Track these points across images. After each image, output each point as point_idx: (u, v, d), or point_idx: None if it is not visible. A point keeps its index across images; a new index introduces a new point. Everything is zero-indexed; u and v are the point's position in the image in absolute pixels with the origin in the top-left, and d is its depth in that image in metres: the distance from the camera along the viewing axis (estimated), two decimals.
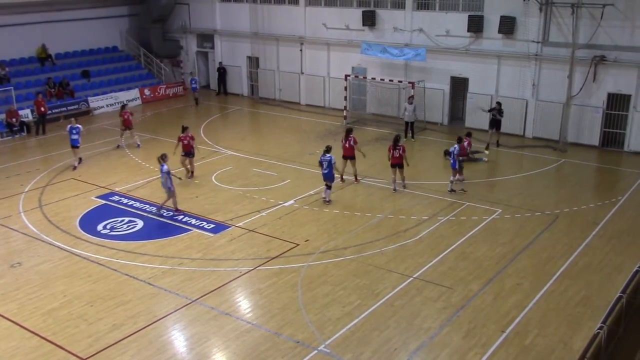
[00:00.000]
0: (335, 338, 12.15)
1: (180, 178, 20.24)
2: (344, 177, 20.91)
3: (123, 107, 26.25)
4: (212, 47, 36.92)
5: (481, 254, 15.71)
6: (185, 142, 21.42)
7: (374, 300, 13.51)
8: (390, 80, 28.64)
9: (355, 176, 21.07)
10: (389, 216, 18.13)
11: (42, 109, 28.39)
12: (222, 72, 36.10)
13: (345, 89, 29.47)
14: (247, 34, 34.57)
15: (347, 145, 20.51)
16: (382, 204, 19.06)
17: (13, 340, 12.31)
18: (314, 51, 32.34)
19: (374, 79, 29.25)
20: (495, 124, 24.67)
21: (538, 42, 25.46)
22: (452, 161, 19.69)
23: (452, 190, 19.79)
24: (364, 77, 29.82)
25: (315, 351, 11.74)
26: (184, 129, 21.61)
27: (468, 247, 16.12)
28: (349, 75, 29.59)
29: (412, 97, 26.60)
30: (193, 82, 33.22)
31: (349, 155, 20.67)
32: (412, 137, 26.43)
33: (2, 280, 14.72)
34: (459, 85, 28.28)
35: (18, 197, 20.11)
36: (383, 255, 15.67)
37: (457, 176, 19.89)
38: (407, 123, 26.49)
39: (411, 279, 14.44)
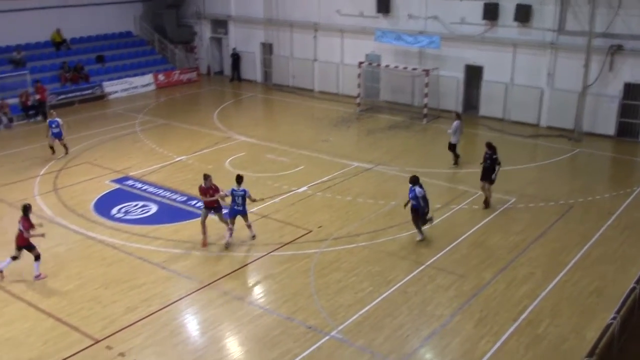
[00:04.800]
0: (347, 324, 12.20)
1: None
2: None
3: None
4: (226, 33, 36.88)
5: (494, 243, 15.68)
6: (209, 195, 15.61)
7: (386, 287, 13.54)
8: (404, 68, 28.52)
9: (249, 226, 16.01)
10: (402, 204, 18.07)
11: (40, 96, 28.25)
12: (235, 58, 36.06)
13: (359, 76, 29.37)
14: (261, 20, 34.48)
15: (207, 196, 15.60)
16: (396, 191, 19.03)
17: (29, 321, 12.46)
18: (327, 38, 32.21)
19: (388, 66, 29.12)
20: (488, 173, 17.66)
21: (554, 31, 25.20)
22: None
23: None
24: (377, 65, 29.68)
25: (328, 337, 11.80)
26: (206, 178, 15.61)
27: (481, 236, 16.09)
28: (362, 62, 29.48)
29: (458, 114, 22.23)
30: (53, 124, 22.28)
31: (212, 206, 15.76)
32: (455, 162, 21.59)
33: (18, 262, 14.83)
34: (473, 74, 28.08)
35: (33, 180, 20.28)
36: (396, 242, 15.67)
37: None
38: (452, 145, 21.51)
39: (424, 266, 14.45)
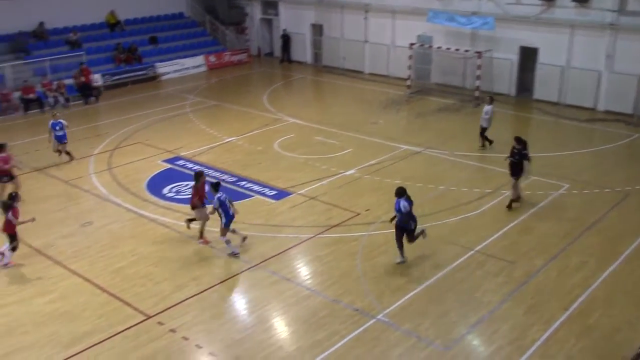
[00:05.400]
0: (393, 308, 12.17)
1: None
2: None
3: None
4: (277, 14, 36.89)
5: (546, 230, 15.34)
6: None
7: (433, 272, 13.44)
8: (456, 50, 28.01)
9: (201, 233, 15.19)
10: (451, 188, 17.89)
11: (85, 79, 28.67)
12: (286, 39, 36.08)
13: (410, 57, 29.00)
14: (311, 1, 34.33)
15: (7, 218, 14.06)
16: (444, 176, 18.81)
17: (84, 296, 12.87)
18: (378, 19, 31.87)
19: (440, 47, 28.65)
20: (516, 169, 16.50)
21: (614, 11, 24.29)
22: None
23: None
24: (429, 46, 29.24)
25: (374, 320, 11.81)
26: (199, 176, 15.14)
27: (532, 222, 15.77)
28: (414, 44, 29.08)
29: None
30: (57, 127, 20.47)
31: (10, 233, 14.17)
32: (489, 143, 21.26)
33: (74, 238, 15.36)
34: (528, 56, 27.35)
35: (88, 159, 20.82)
36: (444, 227, 15.51)
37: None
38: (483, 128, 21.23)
39: (472, 252, 14.27)
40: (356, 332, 11.47)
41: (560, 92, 26.39)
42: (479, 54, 26.77)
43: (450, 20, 27.91)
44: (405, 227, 13.52)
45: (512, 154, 16.49)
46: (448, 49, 28.27)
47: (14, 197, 14.16)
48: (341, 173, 19.12)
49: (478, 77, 26.95)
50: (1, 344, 11.33)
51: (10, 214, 13.86)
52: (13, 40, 29.78)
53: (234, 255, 14.29)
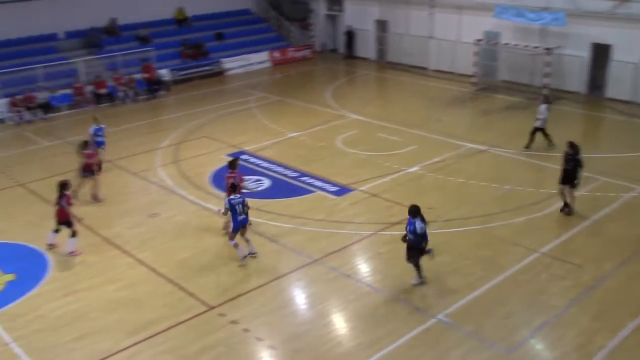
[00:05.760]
0: (455, 308, 12.01)
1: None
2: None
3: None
4: (341, 10, 36.89)
5: (616, 233, 14.79)
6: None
7: (497, 273, 13.18)
8: (524, 46, 27.31)
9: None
10: (517, 188, 17.48)
11: (149, 75, 29.26)
12: (350, 35, 36.05)
13: (476, 54, 28.49)
14: None
15: (59, 207, 14.42)
16: (510, 175, 18.40)
17: (150, 285, 13.25)
18: (444, 15, 31.42)
19: (507, 44, 28.02)
20: (569, 177, 15.61)
21: None
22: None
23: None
24: (496, 43, 28.63)
25: (434, 319, 11.69)
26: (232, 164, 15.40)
27: (601, 225, 15.25)
28: (480, 40, 28.55)
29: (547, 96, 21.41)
30: (100, 132, 19.48)
31: (64, 221, 14.54)
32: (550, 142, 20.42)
33: (141, 228, 15.82)
34: (600, 53, 26.41)
35: (155, 152, 21.38)
36: (509, 227, 15.18)
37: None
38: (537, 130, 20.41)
39: (538, 254, 13.91)
40: (416, 331, 11.38)
41: (635, 91, 25.38)
42: (549, 51, 26.03)
43: (519, 15, 27.25)
44: (419, 247, 12.55)
45: (566, 161, 15.50)
46: (516, 45, 27.60)
47: (65, 185, 14.57)
48: (403, 170, 18.99)
49: (547, 75, 26.20)
50: (73, 328, 11.80)
51: (63, 201, 14.35)
52: (86, 36, 30.88)
53: (246, 257, 13.88)
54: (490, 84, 29.07)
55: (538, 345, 11.10)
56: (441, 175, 18.57)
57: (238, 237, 13.93)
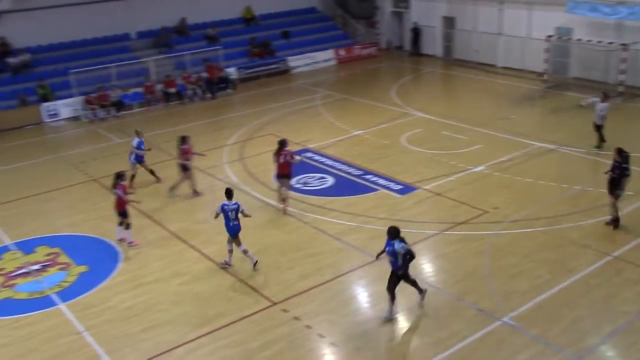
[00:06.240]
0: (521, 311, 11.72)
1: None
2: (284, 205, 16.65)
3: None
4: (407, 7, 36.56)
5: None
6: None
7: (565, 277, 12.78)
8: (598, 42, 26.35)
9: (284, 199, 16.55)
10: (588, 188, 16.90)
11: (210, 75, 29.50)
12: (416, 32, 35.69)
13: (547, 50, 27.67)
14: None
15: (281, 161, 16.36)
16: (581, 175, 17.81)
17: (214, 279, 13.52)
18: (514, 10, 30.66)
19: (580, 40, 27.09)
20: (614, 185, 14.68)
21: None
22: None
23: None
24: (568, 38, 27.73)
25: (499, 322, 11.45)
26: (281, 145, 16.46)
27: None
28: (551, 36, 27.72)
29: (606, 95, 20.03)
30: (142, 145, 18.92)
31: (284, 174, 16.45)
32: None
33: (206, 224, 16.14)
34: None
35: (222, 149, 21.78)
36: (579, 229, 14.68)
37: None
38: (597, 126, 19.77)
39: (609, 257, 13.41)
40: (480, 333, 11.18)
41: None
42: (625, 47, 25.02)
43: (593, 10, 26.30)
44: (397, 270, 11.44)
45: (613, 168, 14.57)
46: (589, 41, 26.66)
47: (120, 176, 15.02)
48: (469, 169, 18.66)
49: (622, 72, 25.20)
50: (142, 319, 12.19)
51: (119, 190, 14.79)
52: (157, 35, 31.74)
53: (225, 265, 13.90)
54: (562, 81, 28.18)
55: (609, 352, 10.71)
56: (508, 174, 18.16)
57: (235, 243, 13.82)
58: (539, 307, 11.86)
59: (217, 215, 13.69)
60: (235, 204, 13.61)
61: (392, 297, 11.58)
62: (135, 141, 18.69)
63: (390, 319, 11.67)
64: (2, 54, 28.06)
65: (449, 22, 34.31)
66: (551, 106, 25.09)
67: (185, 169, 17.82)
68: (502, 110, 24.73)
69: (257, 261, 13.79)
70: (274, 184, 17.53)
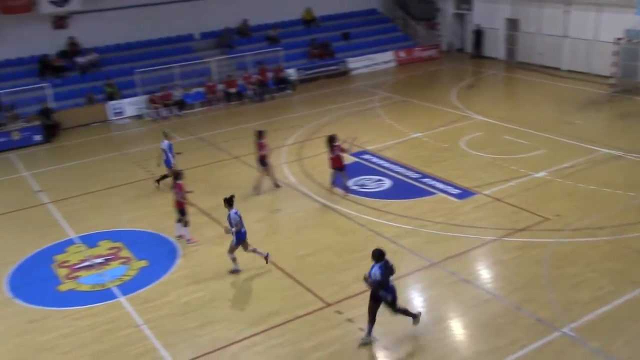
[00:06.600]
0: (581, 322, 11.37)
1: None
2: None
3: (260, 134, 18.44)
4: (470, 9, 36.01)
5: None
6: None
7: (630, 289, 12.31)
8: None
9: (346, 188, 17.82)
10: None
11: (262, 77, 29.59)
12: (478, 34, 35.12)
13: (615, 54, 26.76)
14: None
15: (333, 156, 17.67)
16: None
17: (269, 278, 13.66)
18: (581, 12, 29.78)
19: None
20: None
21: None
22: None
23: None
24: (638, 41, 26.73)
25: (558, 332, 11.13)
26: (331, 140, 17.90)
27: None
28: (620, 39, 26.79)
29: None
30: (172, 148, 18.61)
31: (338, 167, 17.77)
32: None
33: (263, 223, 16.32)
34: None
35: (281, 149, 21.96)
36: None
37: None
38: None
39: None
40: (539, 342, 10.89)
41: None
42: None
43: None
44: (379, 296, 10.89)
45: None
46: None
47: (178, 175, 15.40)
48: (530, 175, 18.23)
49: None
50: (198, 315, 12.42)
51: (177, 189, 15.15)
52: (220, 36, 32.29)
53: (235, 272, 13.89)
54: (631, 85, 27.19)
55: None
56: (571, 181, 17.65)
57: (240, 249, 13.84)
58: (601, 319, 11.48)
59: (228, 229, 13.52)
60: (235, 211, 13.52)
61: (371, 319, 11.05)
62: (164, 143, 18.37)
63: (366, 343, 11.15)
64: (71, 54, 29.13)
65: (513, 24, 33.61)
66: (619, 111, 24.26)
67: (263, 163, 18.09)
68: (566, 114, 24.06)
69: (268, 253, 13.97)
70: (330, 183, 17.83)
